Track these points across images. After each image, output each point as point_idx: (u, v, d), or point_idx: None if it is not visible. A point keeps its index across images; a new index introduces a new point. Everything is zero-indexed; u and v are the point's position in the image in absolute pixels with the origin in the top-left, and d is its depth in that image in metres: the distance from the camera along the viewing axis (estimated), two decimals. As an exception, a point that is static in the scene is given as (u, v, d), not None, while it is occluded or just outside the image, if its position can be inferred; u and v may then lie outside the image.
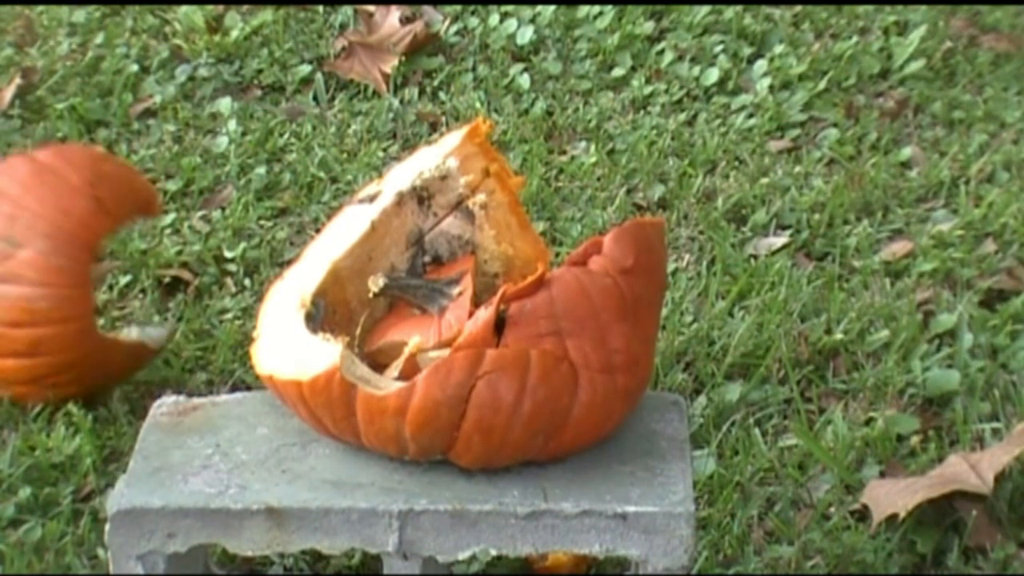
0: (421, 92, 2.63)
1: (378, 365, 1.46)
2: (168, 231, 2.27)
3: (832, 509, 1.76)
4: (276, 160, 2.45)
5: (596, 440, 1.44)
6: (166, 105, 2.59)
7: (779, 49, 2.69)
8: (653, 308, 1.46)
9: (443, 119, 2.55)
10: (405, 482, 1.42)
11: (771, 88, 2.60)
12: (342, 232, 1.56)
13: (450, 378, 1.37)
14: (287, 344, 1.46)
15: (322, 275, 1.51)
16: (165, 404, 1.56)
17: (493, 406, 1.37)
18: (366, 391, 1.39)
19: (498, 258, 1.58)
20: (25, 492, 1.77)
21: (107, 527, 1.42)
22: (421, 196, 1.58)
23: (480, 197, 1.57)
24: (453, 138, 1.60)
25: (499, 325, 1.39)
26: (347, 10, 2.82)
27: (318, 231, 1.64)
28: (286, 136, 2.50)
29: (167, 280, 2.16)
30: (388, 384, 1.41)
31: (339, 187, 2.37)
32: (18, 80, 2.61)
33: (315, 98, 2.62)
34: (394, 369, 1.43)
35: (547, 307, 1.40)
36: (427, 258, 1.58)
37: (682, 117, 2.54)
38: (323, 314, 1.49)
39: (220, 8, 2.82)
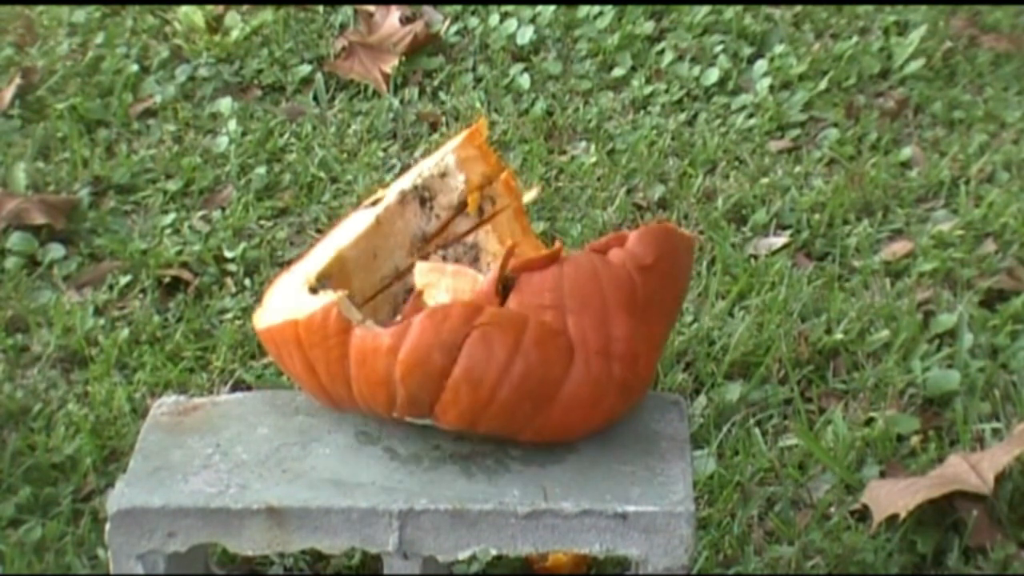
0: (421, 92, 2.63)
1: None
2: (168, 231, 2.27)
3: (832, 509, 1.76)
4: (276, 160, 2.45)
5: (585, 426, 1.44)
6: (166, 105, 2.59)
7: (779, 49, 2.69)
8: (665, 314, 1.46)
9: (443, 119, 2.55)
10: (405, 482, 1.42)
11: (771, 88, 2.61)
12: (348, 229, 1.57)
13: (446, 323, 1.37)
14: (286, 301, 1.46)
15: (328, 259, 1.52)
16: (165, 404, 1.56)
17: (484, 358, 1.37)
18: (362, 328, 1.40)
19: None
20: (25, 492, 1.77)
21: (107, 527, 1.42)
22: (423, 196, 1.58)
23: (487, 197, 1.58)
24: (453, 141, 1.61)
25: (506, 293, 1.40)
26: (347, 10, 2.82)
27: (318, 231, 1.65)
28: (286, 136, 2.50)
29: (167, 280, 2.16)
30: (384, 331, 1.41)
31: (339, 187, 2.37)
32: (18, 80, 2.61)
33: (315, 98, 2.62)
34: (399, 316, 1.44)
35: (555, 281, 1.40)
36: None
37: (682, 117, 2.54)
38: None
39: (220, 8, 2.83)
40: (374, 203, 1.59)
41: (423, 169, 1.59)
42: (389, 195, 1.58)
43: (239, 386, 1.94)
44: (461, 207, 1.59)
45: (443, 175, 1.58)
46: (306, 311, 1.42)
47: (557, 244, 1.44)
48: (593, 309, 1.40)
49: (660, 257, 1.43)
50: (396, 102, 2.59)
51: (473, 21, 2.78)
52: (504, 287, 1.41)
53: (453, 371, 1.38)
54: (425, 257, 1.58)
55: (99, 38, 2.76)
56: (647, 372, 1.46)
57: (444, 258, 1.59)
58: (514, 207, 1.60)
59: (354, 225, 1.57)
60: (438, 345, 1.37)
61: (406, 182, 1.59)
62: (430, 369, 1.38)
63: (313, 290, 1.47)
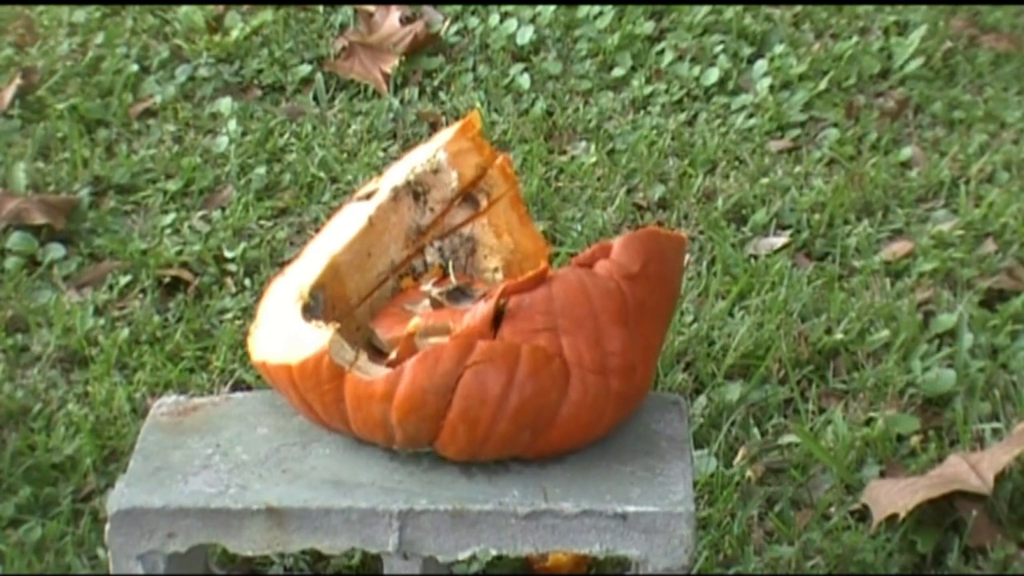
0: (421, 92, 2.63)
1: (384, 355, 1.46)
2: (168, 231, 2.27)
3: (832, 509, 1.76)
4: (276, 160, 2.45)
5: (585, 441, 1.44)
6: (166, 105, 2.59)
7: (779, 49, 2.69)
8: (658, 318, 1.45)
9: (443, 119, 2.55)
10: (405, 482, 1.42)
11: (771, 88, 2.60)
12: (341, 228, 1.56)
13: (438, 366, 1.37)
14: (280, 331, 1.46)
15: (321, 268, 1.51)
16: (165, 404, 1.56)
17: (479, 397, 1.37)
18: (354, 376, 1.39)
19: (498, 252, 1.58)
20: (25, 492, 1.77)
21: (107, 527, 1.42)
22: (416, 191, 1.58)
23: (482, 190, 1.58)
24: (446, 133, 1.60)
25: (498, 319, 1.39)
26: (347, 10, 2.82)
27: (318, 231, 1.65)
28: (286, 136, 2.50)
29: (167, 280, 2.16)
30: (377, 370, 1.41)
31: (339, 187, 2.37)
32: (18, 80, 2.61)
33: (315, 98, 2.62)
34: (392, 353, 1.44)
35: (545, 303, 1.39)
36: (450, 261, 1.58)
37: (682, 117, 2.54)
38: (321, 307, 1.49)
39: (220, 8, 2.82)
40: (368, 196, 1.58)
41: (415, 164, 1.58)
42: (382, 190, 1.58)
43: (239, 386, 1.94)
44: (455, 200, 1.58)
45: (436, 171, 1.58)
46: (298, 356, 1.42)
47: (543, 264, 1.44)
48: (586, 327, 1.39)
49: (647, 263, 1.42)
50: (396, 102, 2.59)
51: (473, 21, 2.78)
52: (497, 312, 1.40)
53: (449, 413, 1.38)
54: (421, 250, 1.58)
55: (99, 38, 2.76)
56: (645, 380, 1.45)
57: (440, 250, 1.58)
58: (510, 195, 1.59)
59: (347, 224, 1.56)
60: (432, 389, 1.37)
61: (399, 177, 1.58)
62: (426, 413, 1.38)
63: (307, 307, 1.47)
